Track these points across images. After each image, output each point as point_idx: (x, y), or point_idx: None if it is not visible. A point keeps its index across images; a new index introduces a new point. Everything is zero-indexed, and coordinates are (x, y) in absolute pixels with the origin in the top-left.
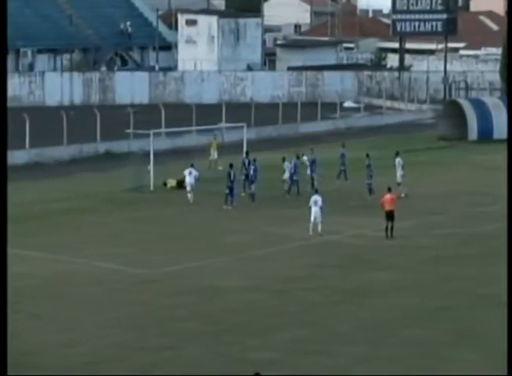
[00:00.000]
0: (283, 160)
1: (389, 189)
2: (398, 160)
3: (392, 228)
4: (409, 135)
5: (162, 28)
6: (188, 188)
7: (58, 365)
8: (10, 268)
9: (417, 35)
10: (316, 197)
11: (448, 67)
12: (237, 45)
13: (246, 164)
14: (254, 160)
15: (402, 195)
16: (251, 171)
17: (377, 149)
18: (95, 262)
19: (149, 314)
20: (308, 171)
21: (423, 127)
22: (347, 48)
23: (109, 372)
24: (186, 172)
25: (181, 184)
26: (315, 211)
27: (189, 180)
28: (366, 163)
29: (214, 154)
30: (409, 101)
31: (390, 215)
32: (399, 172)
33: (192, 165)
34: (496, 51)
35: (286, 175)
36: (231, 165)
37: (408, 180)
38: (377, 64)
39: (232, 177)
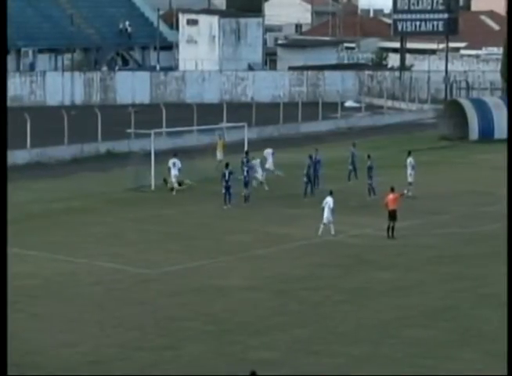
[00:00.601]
0: (252, 158)
1: (392, 189)
2: (409, 160)
3: (393, 228)
4: (410, 135)
5: (163, 28)
6: (173, 180)
7: (58, 365)
8: (10, 268)
9: (418, 35)
10: (328, 199)
11: (450, 67)
12: (238, 45)
13: (245, 163)
14: (247, 162)
15: (405, 192)
16: (245, 172)
17: (378, 149)
18: (95, 262)
19: (150, 314)
20: (269, 168)
21: (424, 127)
22: (348, 48)
23: (109, 372)
24: (170, 164)
25: (179, 185)
26: (326, 212)
27: (173, 172)
28: (368, 164)
29: (219, 155)
30: (410, 101)
31: (392, 215)
32: (409, 172)
33: (175, 155)
34: (497, 50)
35: (259, 174)
36: (226, 165)
37: (411, 180)
38: (378, 64)
39: (226, 177)
